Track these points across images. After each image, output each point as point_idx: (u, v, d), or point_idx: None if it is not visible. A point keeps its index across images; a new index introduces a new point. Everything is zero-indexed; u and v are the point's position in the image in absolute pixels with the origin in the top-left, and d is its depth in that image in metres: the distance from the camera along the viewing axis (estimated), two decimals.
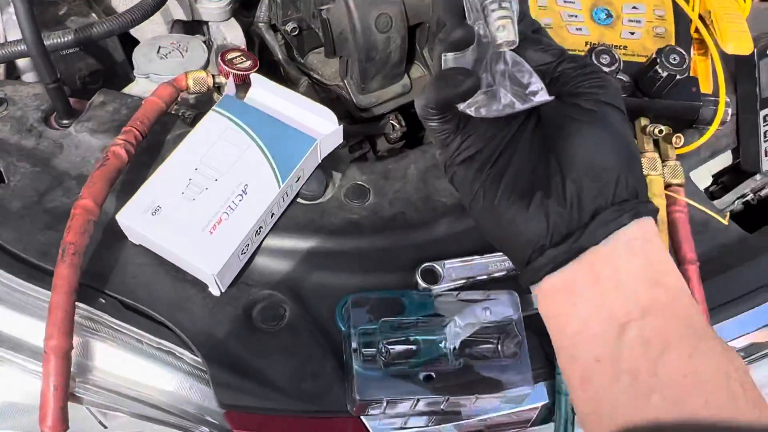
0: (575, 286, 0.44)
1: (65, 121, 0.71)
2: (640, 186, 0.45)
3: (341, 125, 0.67)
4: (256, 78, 0.70)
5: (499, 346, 0.61)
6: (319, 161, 0.68)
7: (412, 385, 0.57)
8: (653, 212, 0.44)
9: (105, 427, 0.68)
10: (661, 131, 0.67)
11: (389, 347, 0.59)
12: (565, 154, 0.44)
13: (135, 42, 0.85)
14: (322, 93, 0.90)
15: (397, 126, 0.92)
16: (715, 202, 0.89)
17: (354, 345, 0.57)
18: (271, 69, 0.95)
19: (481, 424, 0.65)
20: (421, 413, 0.60)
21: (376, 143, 0.95)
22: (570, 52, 0.49)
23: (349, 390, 0.58)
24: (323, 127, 0.67)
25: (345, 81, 0.86)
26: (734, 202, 0.91)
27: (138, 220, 0.60)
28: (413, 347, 0.60)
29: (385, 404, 0.57)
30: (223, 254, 0.59)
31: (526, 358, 0.60)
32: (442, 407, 0.59)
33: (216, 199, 0.61)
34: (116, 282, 0.62)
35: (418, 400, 0.57)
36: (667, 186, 0.68)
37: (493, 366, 0.59)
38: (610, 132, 0.44)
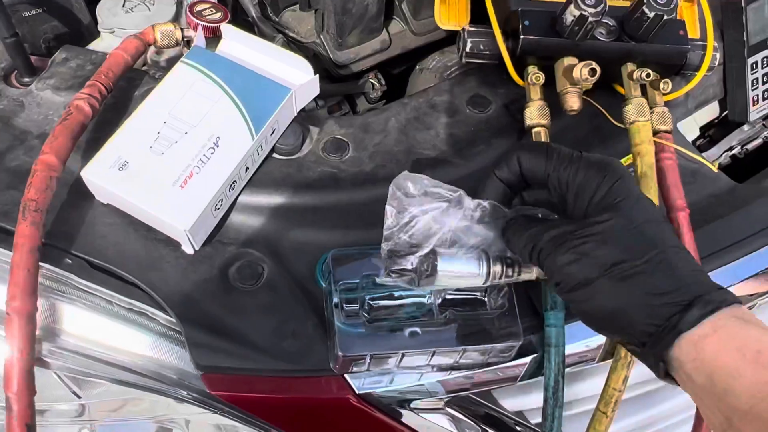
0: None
1: (26, 79, 0.68)
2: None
3: (317, 75, 0.64)
4: (226, 29, 0.67)
5: (486, 299, 0.59)
6: (295, 113, 0.65)
7: (396, 340, 0.55)
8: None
9: (79, 397, 0.66)
10: (648, 75, 0.65)
11: (371, 302, 0.57)
12: None
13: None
14: (298, 51, 0.87)
15: (377, 85, 0.89)
16: (703, 155, 0.87)
17: (335, 300, 0.55)
18: (244, 29, 0.91)
19: (468, 381, 0.63)
20: (408, 369, 0.58)
21: (356, 104, 0.92)
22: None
23: (332, 347, 0.55)
24: (298, 78, 0.64)
25: (321, 37, 0.83)
26: (721, 155, 0.90)
27: (104, 176, 0.57)
28: (396, 302, 0.58)
29: (368, 360, 0.55)
30: (195, 209, 0.56)
31: (514, 311, 0.58)
32: (428, 362, 0.57)
33: (186, 153, 0.59)
34: (84, 242, 0.59)
35: (402, 355, 0.55)
36: (655, 132, 0.66)
37: (481, 319, 0.57)
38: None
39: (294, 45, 0.88)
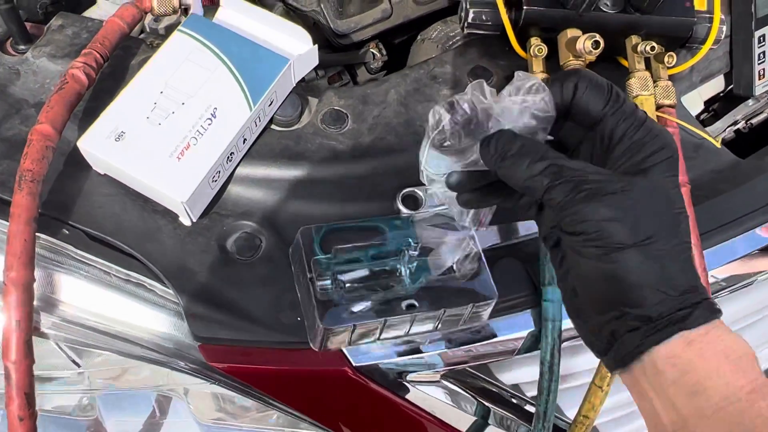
0: None
1: (22, 47, 0.67)
2: None
3: (316, 45, 0.63)
4: None
5: (454, 266, 0.58)
6: (294, 84, 0.64)
7: (375, 310, 0.55)
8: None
9: (78, 365, 0.66)
10: (653, 48, 0.64)
11: (341, 277, 0.56)
12: None
13: None
14: (297, 20, 0.85)
15: (378, 55, 0.88)
16: (707, 129, 0.86)
17: (310, 275, 0.54)
18: None
19: (467, 355, 0.64)
20: (390, 340, 0.58)
21: (356, 74, 0.91)
22: None
23: (310, 322, 0.55)
24: (296, 48, 0.63)
25: (321, 5, 0.82)
26: (725, 129, 0.89)
27: (101, 146, 0.57)
28: (367, 273, 0.57)
29: (352, 331, 0.55)
30: (193, 181, 0.56)
31: (485, 271, 0.57)
32: (409, 329, 0.57)
33: (183, 124, 0.58)
34: (81, 213, 0.58)
35: (385, 322, 0.55)
36: (659, 107, 0.66)
37: (454, 283, 0.57)
38: None
39: (294, 13, 0.86)
